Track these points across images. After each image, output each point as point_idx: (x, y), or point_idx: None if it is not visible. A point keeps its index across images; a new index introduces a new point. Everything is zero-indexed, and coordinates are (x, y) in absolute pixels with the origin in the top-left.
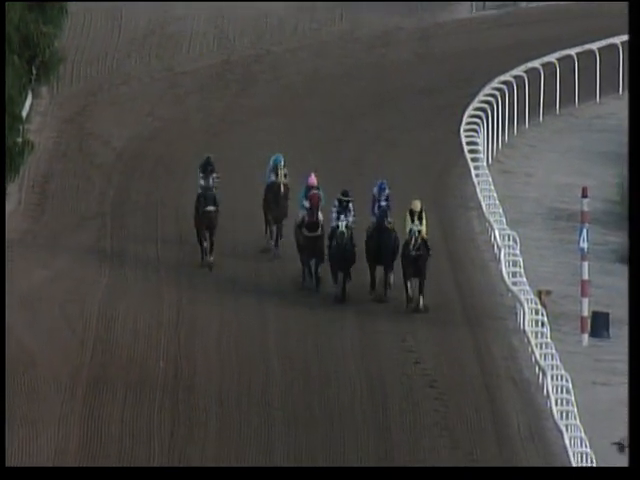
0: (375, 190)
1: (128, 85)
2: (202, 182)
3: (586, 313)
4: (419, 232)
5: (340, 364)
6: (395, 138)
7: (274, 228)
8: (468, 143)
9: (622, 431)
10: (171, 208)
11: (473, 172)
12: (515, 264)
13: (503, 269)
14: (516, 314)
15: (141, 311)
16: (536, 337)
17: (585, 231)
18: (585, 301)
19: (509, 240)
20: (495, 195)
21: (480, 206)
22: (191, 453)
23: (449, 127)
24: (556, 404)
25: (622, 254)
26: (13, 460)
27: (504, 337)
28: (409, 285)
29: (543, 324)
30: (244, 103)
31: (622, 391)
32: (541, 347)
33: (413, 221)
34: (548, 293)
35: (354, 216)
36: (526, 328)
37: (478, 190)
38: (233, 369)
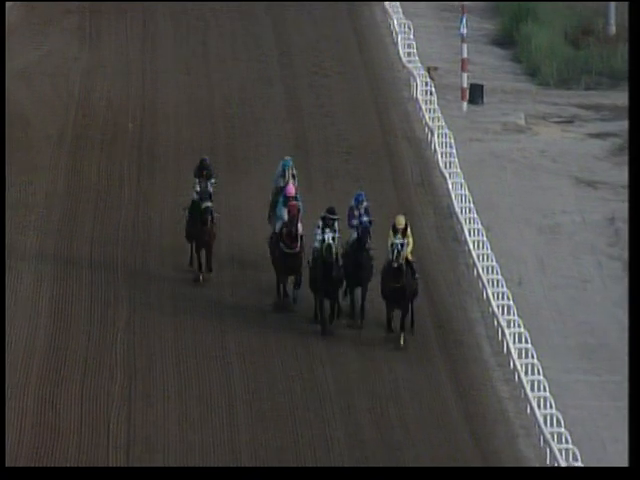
0: (352, 202)
1: None
2: (198, 187)
3: (465, 85)
4: (401, 245)
5: None
6: None
7: None
8: None
9: (490, 177)
10: None
11: None
12: (409, 46)
13: (400, 50)
14: (410, 86)
15: (114, 85)
16: (425, 104)
17: (464, 19)
18: (464, 75)
19: (405, 27)
20: None
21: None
22: (152, 190)
23: None
24: (441, 156)
25: (493, 38)
26: (13, 199)
27: (400, 104)
28: (390, 317)
29: (431, 93)
30: None
31: (492, 146)
32: (429, 112)
33: (396, 237)
34: (435, 69)
35: (339, 237)
36: (418, 97)
37: None
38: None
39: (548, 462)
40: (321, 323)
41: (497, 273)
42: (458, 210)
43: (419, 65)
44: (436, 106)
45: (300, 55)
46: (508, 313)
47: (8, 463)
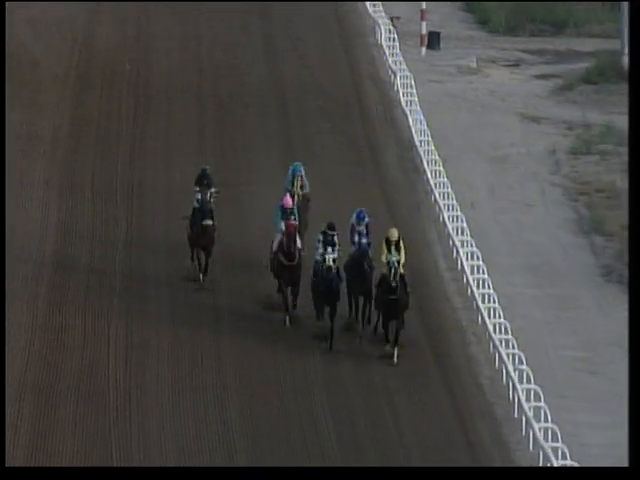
0: (353, 218)
1: None
2: (199, 196)
3: (424, 32)
4: (398, 262)
5: None
6: None
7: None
8: None
9: (446, 114)
10: None
11: None
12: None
13: (367, 3)
14: (375, 34)
15: (113, 30)
16: (389, 49)
17: None
18: (423, 24)
19: None
20: None
21: None
22: (147, 124)
23: None
24: (403, 96)
25: None
26: (23, 131)
27: (366, 50)
28: (386, 330)
29: (394, 40)
30: None
31: (448, 86)
32: (392, 56)
33: (390, 251)
34: (398, 18)
35: (339, 250)
36: (382, 43)
37: None
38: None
39: (497, 366)
40: (329, 336)
41: (452, 199)
42: (418, 143)
43: (383, 15)
44: (398, 51)
45: (278, 7)
46: (462, 234)
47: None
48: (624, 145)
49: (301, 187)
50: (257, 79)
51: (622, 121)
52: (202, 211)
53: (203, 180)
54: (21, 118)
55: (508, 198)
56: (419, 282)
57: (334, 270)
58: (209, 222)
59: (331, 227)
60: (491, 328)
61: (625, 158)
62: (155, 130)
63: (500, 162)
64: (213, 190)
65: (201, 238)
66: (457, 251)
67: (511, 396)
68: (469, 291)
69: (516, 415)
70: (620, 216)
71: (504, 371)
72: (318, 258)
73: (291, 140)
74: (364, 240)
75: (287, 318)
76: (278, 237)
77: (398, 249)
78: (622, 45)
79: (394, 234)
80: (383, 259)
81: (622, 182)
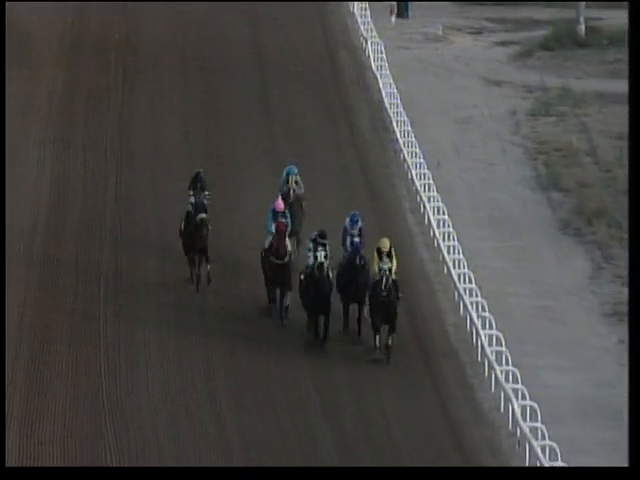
0: (347, 222)
1: None
2: (192, 199)
3: (394, 1)
4: (390, 270)
5: None
6: None
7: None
8: None
9: (414, 78)
10: None
11: None
12: None
13: None
14: (348, 4)
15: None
16: (361, 18)
17: None
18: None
19: None
20: None
21: None
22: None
23: None
24: (374, 61)
25: None
26: (20, 93)
27: (340, 18)
28: (377, 335)
29: (366, 9)
30: None
31: (416, 52)
32: (364, 24)
33: (382, 260)
34: None
35: (331, 258)
36: (354, 12)
37: None
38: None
39: (462, 313)
40: (322, 339)
41: (420, 157)
42: (387, 105)
43: None
44: (370, 19)
45: None
46: (429, 190)
47: None
48: (580, 107)
49: (295, 182)
50: (239, 41)
51: (577, 85)
52: (196, 210)
53: (197, 183)
54: (17, 76)
55: (472, 157)
56: (387, 233)
57: (326, 270)
58: (204, 215)
59: (322, 235)
60: (456, 278)
61: (582, 119)
62: (140, 83)
63: (464, 123)
64: (207, 193)
65: (197, 233)
66: (424, 206)
67: (474, 341)
68: (435, 243)
69: (479, 359)
70: (576, 173)
71: (468, 318)
72: (309, 262)
73: (267, 100)
74: (356, 239)
75: (278, 320)
76: (269, 238)
77: (390, 257)
78: (577, 14)
79: (386, 244)
80: (375, 267)
81: (578, 142)
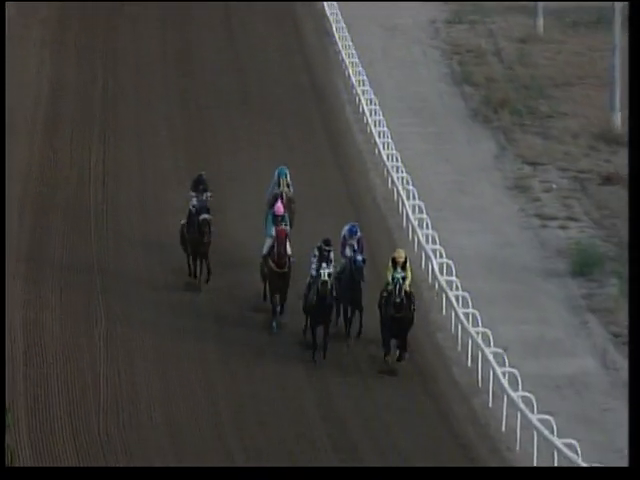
0: (345, 232)
1: None
2: (194, 201)
3: None
4: (403, 279)
5: None
6: None
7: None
8: None
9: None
10: None
11: None
12: None
13: None
14: None
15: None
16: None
17: None
18: None
19: None
20: None
21: None
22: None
23: None
24: None
25: None
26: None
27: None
28: (387, 356)
29: None
30: None
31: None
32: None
33: (396, 270)
34: None
35: (334, 266)
36: None
37: None
38: None
39: (390, 187)
40: (322, 348)
41: (355, 57)
42: (328, 14)
43: None
44: None
45: None
46: (363, 85)
47: None
48: (489, 16)
49: (287, 185)
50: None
51: None
52: (198, 212)
53: (199, 185)
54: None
55: (398, 58)
56: (328, 120)
57: (329, 286)
58: (206, 216)
59: (327, 242)
60: (385, 157)
61: (489, 26)
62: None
63: (391, 30)
64: (209, 194)
65: (198, 234)
66: (359, 99)
67: (400, 210)
68: (368, 130)
69: (404, 224)
70: (484, 71)
71: (395, 190)
72: (313, 273)
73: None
74: (359, 257)
75: (274, 324)
76: (269, 242)
77: (404, 268)
78: None
79: (401, 255)
80: (389, 276)
81: (486, 44)
